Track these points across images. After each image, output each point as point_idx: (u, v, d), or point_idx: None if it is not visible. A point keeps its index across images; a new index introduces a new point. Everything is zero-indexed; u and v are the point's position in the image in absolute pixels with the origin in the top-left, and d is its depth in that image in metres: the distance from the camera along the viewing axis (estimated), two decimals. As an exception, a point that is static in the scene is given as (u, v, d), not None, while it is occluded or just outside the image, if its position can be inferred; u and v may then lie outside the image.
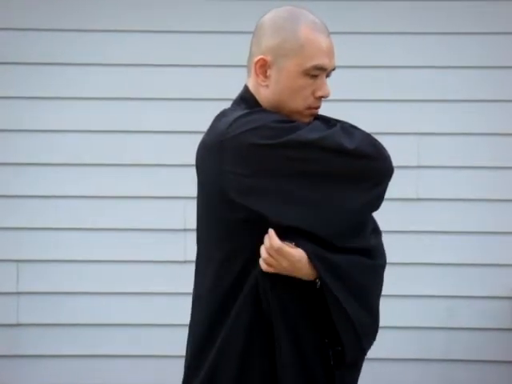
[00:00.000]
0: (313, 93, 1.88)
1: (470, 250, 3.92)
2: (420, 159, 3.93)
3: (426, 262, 3.92)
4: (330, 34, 1.88)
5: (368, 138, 1.88)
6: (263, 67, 1.88)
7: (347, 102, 3.81)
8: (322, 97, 1.89)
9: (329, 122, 1.92)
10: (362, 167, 1.84)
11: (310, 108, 1.90)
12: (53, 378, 3.95)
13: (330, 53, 1.87)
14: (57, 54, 3.96)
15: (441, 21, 3.96)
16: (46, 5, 3.96)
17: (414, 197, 3.89)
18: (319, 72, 1.86)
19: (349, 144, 1.81)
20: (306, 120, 1.92)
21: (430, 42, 3.96)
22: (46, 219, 3.95)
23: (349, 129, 1.88)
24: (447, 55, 3.95)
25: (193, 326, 1.96)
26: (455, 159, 3.94)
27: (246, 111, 1.86)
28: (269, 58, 1.87)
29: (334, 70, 1.91)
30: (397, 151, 3.79)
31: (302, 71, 1.85)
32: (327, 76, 1.90)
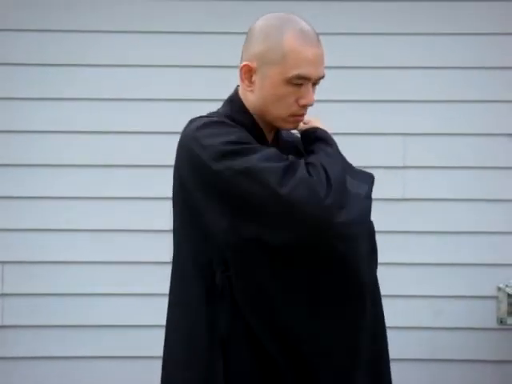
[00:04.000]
0: (297, 100, 1.89)
1: (456, 249, 3.93)
2: (405, 160, 3.93)
3: (412, 262, 3.93)
4: (319, 42, 1.88)
5: (309, 182, 1.73)
6: (248, 73, 1.91)
7: (333, 102, 3.82)
8: (306, 105, 1.90)
9: (286, 156, 1.83)
10: (290, 213, 1.72)
11: (293, 115, 1.91)
12: (38, 379, 3.93)
13: (316, 62, 1.86)
14: (38, 55, 3.95)
15: (426, 22, 3.97)
16: (24, 5, 3.95)
17: (400, 197, 3.90)
18: (303, 81, 1.86)
19: (282, 186, 1.72)
20: (291, 126, 1.95)
21: (415, 43, 3.97)
22: (32, 220, 3.93)
23: (294, 166, 1.76)
24: (433, 56, 3.97)
25: (169, 334, 1.95)
26: (441, 160, 3.95)
27: (211, 119, 1.87)
28: (254, 65, 1.89)
29: (322, 78, 1.91)
30: (382, 152, 3.84)
31: (284, 80, 1.86)
32: (315, 84, 1.91)
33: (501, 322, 3.86)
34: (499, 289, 3.88)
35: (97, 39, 3.95)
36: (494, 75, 3.95)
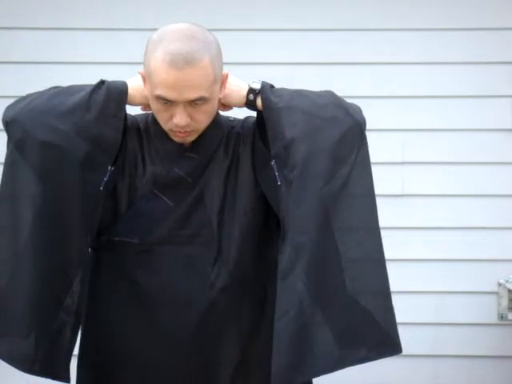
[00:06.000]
0: (171, 118, 1.85)
1: (456, 245, 3.93)
2: (405, 155, 3.93)
3: (412, 258, 3.92)
4: (193, 65, 1.78)
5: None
6: (144, 81, 1.90)
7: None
8: (178, 125, 1.85)
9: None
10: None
11: (172, 131, 1.89)
12: (40, 380, 3.91)
13: (177, 87, 1.78)
14: (13, 52, 3.93)
15: (427, 17, 3.95)
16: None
17: (399, 193, 3.89)
18: (166, 101, 1.82)
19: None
20: (177, 139, 1.92)
21: (415, 38, 3.95)
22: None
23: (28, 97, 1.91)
24: (432, 51, 3.95)
25: None
26: (440, 155, 3.95)
27: None
28: (145, 74, 1.87)
29: (199, 99, 1.81)
30: (382, 147, 3.83)
31: (152, 96, 1.84)
32: (196, 103, 1.82)
33: (501, 317, 3.85)
34: (500, 284, 3.87)
35: (65, 37, 3.95)
36: (494, 70, 3.94)
